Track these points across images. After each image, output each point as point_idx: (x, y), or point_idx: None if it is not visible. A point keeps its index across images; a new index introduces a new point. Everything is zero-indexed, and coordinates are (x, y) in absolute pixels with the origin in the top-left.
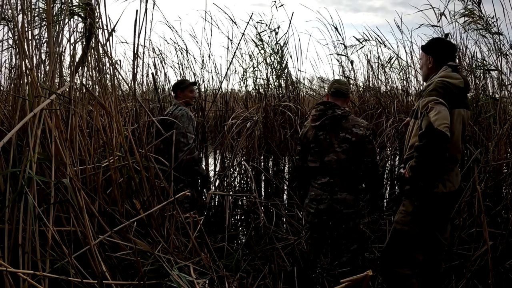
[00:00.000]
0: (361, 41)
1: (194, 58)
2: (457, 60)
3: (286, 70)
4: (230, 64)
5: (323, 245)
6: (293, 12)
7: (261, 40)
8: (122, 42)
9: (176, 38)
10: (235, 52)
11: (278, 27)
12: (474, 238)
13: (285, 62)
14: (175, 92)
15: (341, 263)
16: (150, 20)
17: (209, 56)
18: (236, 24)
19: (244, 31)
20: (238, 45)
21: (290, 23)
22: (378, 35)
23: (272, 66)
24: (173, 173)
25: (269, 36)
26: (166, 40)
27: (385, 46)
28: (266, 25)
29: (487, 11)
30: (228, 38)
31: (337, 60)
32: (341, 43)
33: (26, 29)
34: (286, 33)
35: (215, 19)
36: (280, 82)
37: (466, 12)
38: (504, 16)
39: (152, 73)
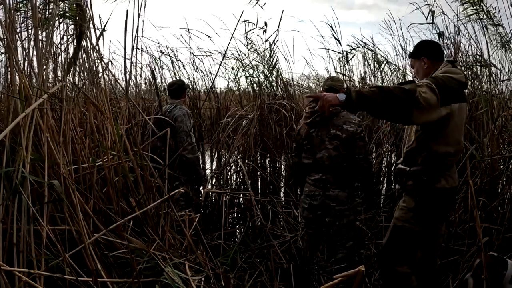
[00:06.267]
0: (355, 47)
1: (183, 64)
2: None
3: (276, 69)
4: (220, 66)
5: (319, 242)
6: (283, 10)
7: (251, 41)
8: (113, 52)
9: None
10: (224, 55)
11: (266, 24)
12: (467, 233)
13: (274, 60)
14: (179, 92)
15: (337, 259)
16: (142, 20)
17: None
18: (217, 34)
19: (234, 32)
20: (227, 47)
21: (280, 21)
22: (370, 40)
23: (262, 64)
24: (170, 171)
25: (258, 35)
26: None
27: (379, 50)
28: (253, 23)
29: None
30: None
31: (331, 58)
32: (334, 37)
33: (17, 30)
34: (275, 30)
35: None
36: (271, 82)
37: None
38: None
39: (152, 71)
